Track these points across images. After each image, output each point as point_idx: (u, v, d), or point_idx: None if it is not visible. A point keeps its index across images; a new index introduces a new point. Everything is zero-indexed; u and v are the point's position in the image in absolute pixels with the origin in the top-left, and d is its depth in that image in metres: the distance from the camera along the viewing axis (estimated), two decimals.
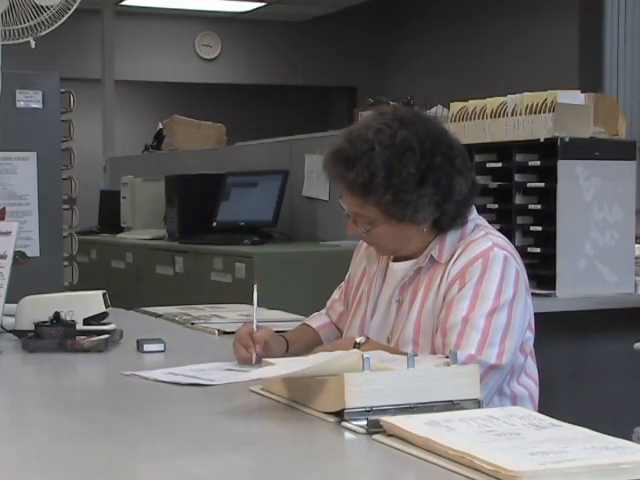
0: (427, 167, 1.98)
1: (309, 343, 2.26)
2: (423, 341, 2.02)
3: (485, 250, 2.01)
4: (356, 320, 2.18)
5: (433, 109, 4.54)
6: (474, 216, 2.10)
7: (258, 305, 2.22)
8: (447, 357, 1.71)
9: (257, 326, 2.15)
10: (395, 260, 2.16)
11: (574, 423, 1.51)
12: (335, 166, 2.04)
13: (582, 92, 4.06)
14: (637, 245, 4.15)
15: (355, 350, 1.95)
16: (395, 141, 1.97)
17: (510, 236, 3.31)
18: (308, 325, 2.35)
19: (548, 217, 3.50)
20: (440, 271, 2.05)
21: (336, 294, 2.36)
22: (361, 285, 2.23)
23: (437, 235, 2.07)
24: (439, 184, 1.99)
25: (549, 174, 3.51)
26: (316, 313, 2.40)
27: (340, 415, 1.59)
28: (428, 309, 2.04)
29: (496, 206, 3.65)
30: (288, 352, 2.18)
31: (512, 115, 3.71)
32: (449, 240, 2.06)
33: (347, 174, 2.00)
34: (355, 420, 1.57)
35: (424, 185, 1.98)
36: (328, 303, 2.38)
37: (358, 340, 2.00)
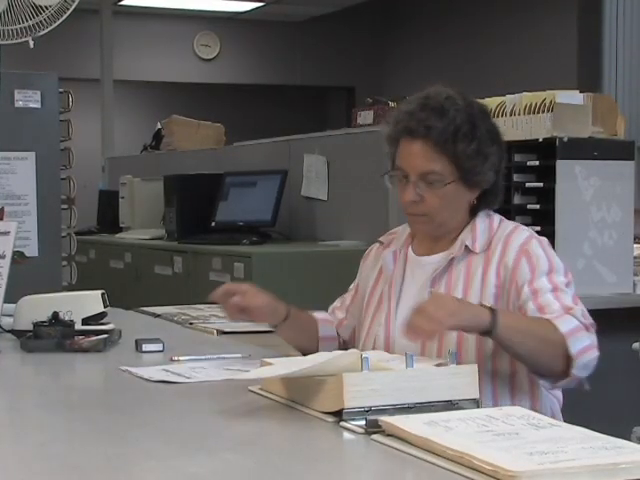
0: (495, 130, 2.14)
1: (306, 327, 2.27)
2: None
3: (531, 234, 2.10)
4: (379, 319, 2.17)
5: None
6: (495, 214, 2.20)
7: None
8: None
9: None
10: (419, 255, 2.18)
11: (572, 423, 1.51)
12: (423, 113, 2.08)
13: (581, 92, 4.07)
14: (636, 245, 4.15)
15: (354, 350, 1.95)
16: (472, 102, 2.12)
17: None
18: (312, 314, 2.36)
19: (547, 217, 3.51)
20: (479, 261, 2.09)
21: (337, 302, 2.37)
22: (377, 287, 2.23)
23: (468, 222, 2.14)
24: (501, 147, 2.13)
25: (548, 174, 3.51)
26: (322, 314, 2.39)
27: (339, 415, 1.59)
28: (473, 301, 2.03)
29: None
30: (285, 322, 2.19)
31: (511, 115, 3.71)
32: (479, 229, 2.12)
33: (437, 122, 2.06)
34: (354, 420, 1.57)
35: (494, 145, 2.11)
36: (329, 309, 2.38)
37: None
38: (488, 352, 2.01)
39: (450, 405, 1.63)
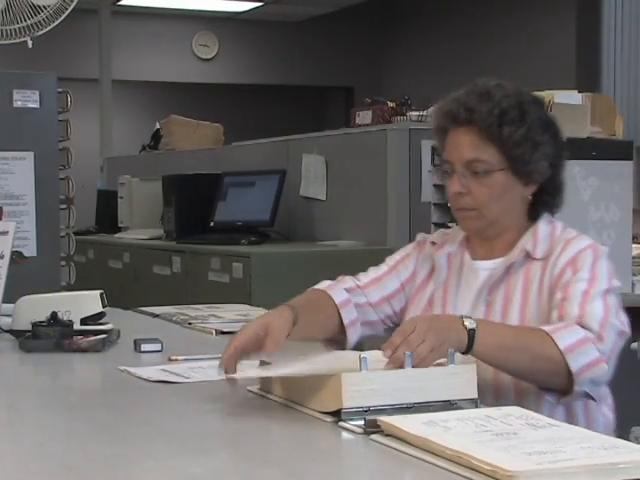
0: (549, 120, 2.04)
1: (321, 322, 2.08)
2: None
3: (591, 244, 1.99)
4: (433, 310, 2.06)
5: (430, 109, 4.54)
6: (558, 220, 2.10)
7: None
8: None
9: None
10: (475, 259, 2.07)
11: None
12: (468, 98, 2.00)
13: (579, 92, 4.07)
14: (634, 245, 4.16)
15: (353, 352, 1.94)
16: (523, 90, 2.03)
17: None
18: (324, 293, 2.13)
19: None
20: (538, 268, 1.99)
21: (374, 273, 2.18)
22: (426, 287, 2.12)
23: (526, 228, 2.03)
24: (558, 139, 2.03)
25: None
26: (329, 283, 2.17)
27: (337, 415, 1.59)
28: (531, 308, 1.96)
29: None
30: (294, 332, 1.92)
31: None
32: (541, 234, 2.02)
33: (481, 106, 1.98)
34: (352, 420, 1.57)
35: (547, 134, 2.01)
36: (353, 281, 2.17)
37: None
38: None
39: (449, 405, 1.63)
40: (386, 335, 2.00)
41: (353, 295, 2.15)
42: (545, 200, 2.05)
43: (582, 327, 1.82)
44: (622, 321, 1.91)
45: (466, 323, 1.75)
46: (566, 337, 1.79)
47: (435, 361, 1.69)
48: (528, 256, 2.00)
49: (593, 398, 1.87)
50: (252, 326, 1.86)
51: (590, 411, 1.97)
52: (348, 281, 2.19)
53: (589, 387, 1.82)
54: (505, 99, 1.98)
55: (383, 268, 2.19)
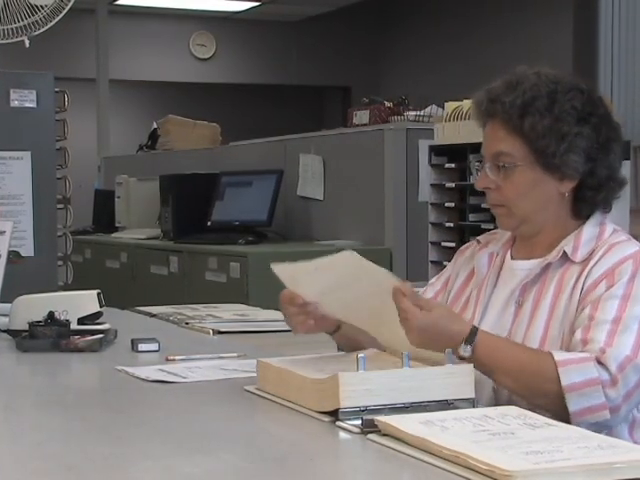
0: (590, 111, 1.87)
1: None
2: (549, 347, 1.81)
3: (635, 252, 1.84)
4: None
5: (428, 109, 4.54)
6: (611, 223, 1.96)
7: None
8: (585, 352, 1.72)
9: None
10: (515, 259, 1.98)
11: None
12: (493, 89, 1.90)
13: None
14: None
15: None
16: (562, 80, 1.89)
17: None
18: None
19: None
20: (575, 271, 1.86)
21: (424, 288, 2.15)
22: (466, 288, 2.03)
23: (573, 229, 1.91)
24: (599, 132, 1.87)
25: None
26: None
27: (335, 415, 1.59)
28: (559, 313, 1.84)
29: None
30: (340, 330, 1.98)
31: None
32: (585, 237, 1.88)
33: (506, 96, 1.86)
34: (350, 420, 1.57)
35: (584, 125, 1.85)
36: None
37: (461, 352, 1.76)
38: None
39: (446, 405, 1.63)
40: None
41: None
42: (586, 197, 1.89)
43: (599, 364, 1.70)
44: None
45: (461, 350, 1.74)
46: (573, 374, 1.69)
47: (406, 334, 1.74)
48: (566, 258, 1.88)
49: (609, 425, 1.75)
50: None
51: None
52: None
53: (592, 427, 1.64)
54: (533, 88, 1.86)
55: (438, 285, 2.14)
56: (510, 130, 1.86)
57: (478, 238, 2.09)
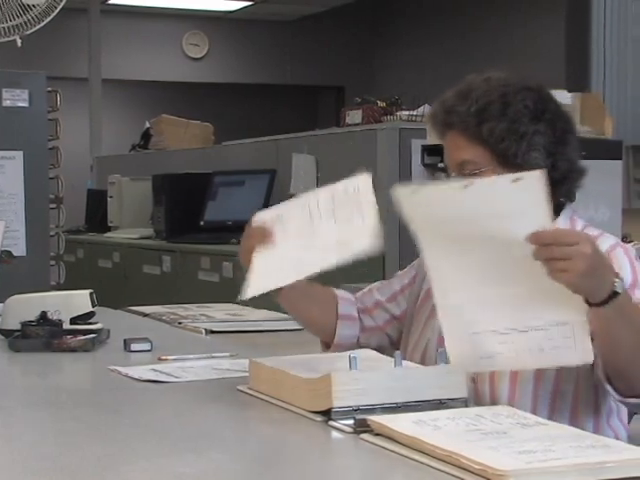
0: (543, 108, 1.92)
1: (319, 297, 2.09)
2: None
3: (617, 242, 1.90)
4: (434, 323, 1.97)
5: (420, 109, 4.54)
6: (580, 218, 2.00)
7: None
8: None
9: None
10: None
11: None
12: (446, 100, 1.93)
13: (569, 91, 4.08)
14: (632, 245, 4.15)
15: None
16: (511, 82, 1.94)
17: None
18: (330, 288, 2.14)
19: None
20: None
21: (376, 284, 2.18)
22: None
23: None
24: (554, 126, 1.91)
25: None
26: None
27: (327, 414, 1.59)
28: None
29: None
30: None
31: None
32: None
33: (460, 106, 1.90)
34: (342, 419, 1.57)
35: (539, 123, 1.90)
36: (357, 293, 2.18)
37: None
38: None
39: (439, 404, 1.63)
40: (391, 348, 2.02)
41: (358, 302, 2.16)
42: (550, 190, 1.88)
43: None
44: None
45: (616, 283, 1.60)
46: None
47: (560, 282, 1.55)
48: None
49: None
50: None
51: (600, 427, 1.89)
52: (358, 292, 2.21)
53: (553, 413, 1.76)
54: (485, 94, 1.90)
55: (396, 284, 2.17)
56: (470, 138, 1.90)
57: None
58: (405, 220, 1.70)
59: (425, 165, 4.01)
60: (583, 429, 1.75)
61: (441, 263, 1.67)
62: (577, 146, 1.97)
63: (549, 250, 1.54)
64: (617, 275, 1.61)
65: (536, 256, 1.54)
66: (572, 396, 1.86)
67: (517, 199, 1.55)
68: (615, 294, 1.59)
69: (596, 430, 1.86)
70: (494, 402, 1.85)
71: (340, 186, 1.83)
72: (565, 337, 1.60)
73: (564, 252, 1.53)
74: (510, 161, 1.89)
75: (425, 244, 1.68)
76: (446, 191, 1.62)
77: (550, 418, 1.78)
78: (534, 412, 1.77)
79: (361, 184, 1.79)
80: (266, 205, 4.76)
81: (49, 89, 3.46)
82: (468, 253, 1.62)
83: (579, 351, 1.60)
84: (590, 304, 1.60)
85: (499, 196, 1.57)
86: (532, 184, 1.54)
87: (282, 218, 1.89)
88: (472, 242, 1.60)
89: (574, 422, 1.82)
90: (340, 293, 2.14)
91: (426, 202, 1.65)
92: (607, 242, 1.88)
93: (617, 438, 1.88)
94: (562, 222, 1.93)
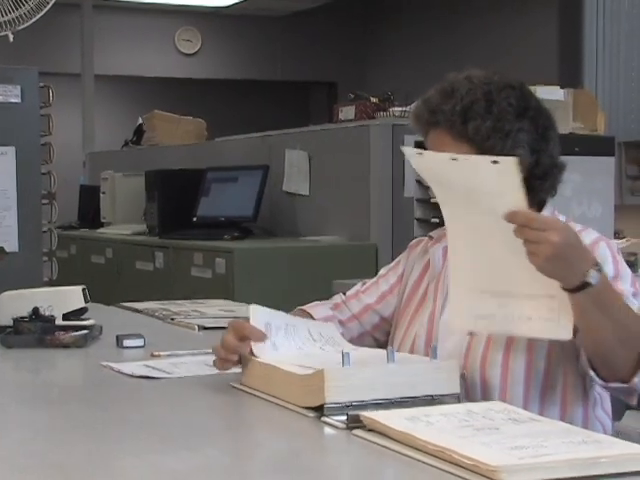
0: (526, 106, 1.95)
1: None
2: None
3: (599, 236, 1.93)
4: (422, 318, 2.01)
5: (413, 105, 4.54)
6: (561, 214, 2.04)
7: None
8: None
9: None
10: None
11: None
12: (430, 99, 1.96)
13: (561, 88, 4.08)
14: (616, 241, 4.16)
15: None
16: (493, 80, 1.96)
17: None
18: (306, 312, 2.14)
19: None
20: None
21: (359, 287, 2.19)
22: (421, 283, 2.07)
23: None
24: (537, 123, 1.95)
25: None
26: (317, 302, 2.19)
27: (320, 410, 1.59)
28: None
29: None
30: None
31: None
32: None
33: (444, 104, 1.93)
34: (335, 415, 1.57)
35: (523, 120, 1.93)
36: (341, 297, 2.19)
37: None
38: (540, 355, 1.85)
39: (431, 400, 1.63)
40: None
41: (339, 312, 2.16)
42: (535, 186, 1.97)
43: None
44: None
45: (590, 275, 1.62)
46: None
47: (535, 266, 1.59)
48: None
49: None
50: (228, 333, 1.87)
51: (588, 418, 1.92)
52: (337, 298, 2.20)
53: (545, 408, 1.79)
54: (470, 92, 1.92)
55: (373, 279, 2.19)
56: (455, 137, 1.93)
57: (430, 234, 2.15)
58: (421, 175, 1.84)
59: None
60: (572, 420, 1.83)
61: (455, 218, 1.76)
62: (558, 142, 2.01)
63: (524, 231, 1.60)
64: (596, 267, 1.64)
65: (516, 234, 1.61)
66: (561, 388, 1.88)
67: (496, 180, 1.64)
68: (587, 284, 1.62)
69: (585, 420, 1.90)
70: (485, 392, 1.87)
71: None
72: (551, 309, 1.66)
73: (534, 236, 1.59)
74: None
75: (441, 199, 1.78)
76: (442, 158, 1.72)
77: (541, 410, 1.83)
78: (525, 404, 1.82)
79: None
80: (259, 201, 4.76)
81: (41, 85, 3.45)
82: (473, 215, 1.71)
83: (561, 326, 1.66)
84: (564, 289, 1.64)
85: (481, 173, 1.66)
86: (508, 168, 1.62)
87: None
88: (474, 206, 1.69)
89: (564, 413, 1.86)
90: (318, 316, 2.12)
91: (431, 163, 1.76)
92: (590, 236, 1.91)
93: (604, 428, 1.92)
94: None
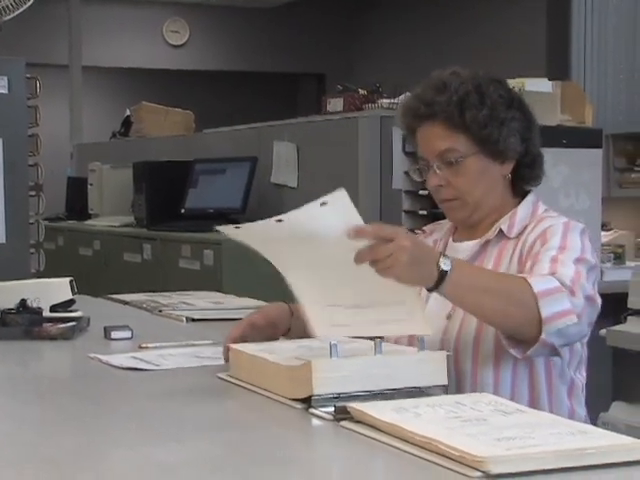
0: (511, 97, 2.05)
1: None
2: None
3: (565, 221, 2.00)
4: None
5: (401, 97, 4.54)
6: (543, 204, 2.11)
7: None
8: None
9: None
10: (457, 241, 2.11)
11: None
12: (425, 92, 2.02)
13: (549, 80, 4.09)
14: (603, 232, 4.18)
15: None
16: (479, 75, 2.05)
17: None
18: None
19: None
20: (510, 246, 2.01)
21: None
22: None
23: (511, 208, 2.05)
24: (524, 111, 2.05)
25: None
26: None
27: (307, 402, 1.60)
28: None
29: None
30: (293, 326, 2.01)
31: None
32: (520, 215, 2.04)
33: (440, 97, 1.99)
34: (322, 407, 1.57)
35: (512, 110, 2.02)
36: None
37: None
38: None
39: (419, 391, 1.63)
40: None
41: None
42: (524, 175, 2.07)
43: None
44: (594, 290, 1.88)
45: (441, 263, 1.69)
46: (541, 283, 1.77)
47: (388, 277, 1.62)
48: (503, 235, 2.03)
49: (558, 354, 1.85)
50: (249, 317, 1.97)
51: (555, 399, 1.99)
52: None
53: (556, 339, 1.78)
54: (462, 86, 2.00)
55: None
56: (452, 127, 2.00)
57: (424, 228, 2.24)
58: (245, 246, 1.80)
59: (406, 153, 4.01)
60: (559, 410, 1.93)
61: (293, 267, 1.73)
62: (539, 133, 2.10)
63: (373, 252, 1.60)
64: (441, 255, 1.70)
65: (357, 261, 1.60)
66: (545, 378, 1.96)
67: (330, 218, 1.60)
68: (444, 273, 1.68)
69: (571, 408, 2.00)
70: (476, 386, 1.91)
71: None
72: (406, 312, 1.71)
73: (385, 250, 1.60)
74: (492, 147, 2.01)
75: (272, 258, 1.79)
76: (264, 225, 1.69)
77: (530, 401, 1.92)
78: (513, 395, 1.90)
79: None
80: (247, 192, 4.75)
81: (28, 76, 3.44)
82: (313, 255, 1.66)
83: (418, 325, 1.72)
84: (429, 290, 1.71)
85: (313, 220, 1.61)
86: (339, 201, 1.58)
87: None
88: (314, 249, 1.64)
89: (550, 403, 1.96)
90: None
91: (250, 233, 1.80)
92: (554, 220, 2.01)
93: (582, 387, 2.04)
94: (526, 208, 2.06)
